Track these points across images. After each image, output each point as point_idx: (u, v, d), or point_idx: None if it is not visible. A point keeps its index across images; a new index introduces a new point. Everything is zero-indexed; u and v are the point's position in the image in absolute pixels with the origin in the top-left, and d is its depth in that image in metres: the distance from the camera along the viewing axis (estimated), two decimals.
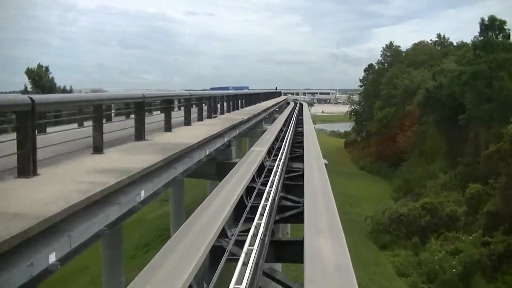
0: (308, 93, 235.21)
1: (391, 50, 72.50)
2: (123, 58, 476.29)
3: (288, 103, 71.25)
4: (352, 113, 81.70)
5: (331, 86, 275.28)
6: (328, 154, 65.03)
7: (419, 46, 66.66)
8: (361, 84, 79.55)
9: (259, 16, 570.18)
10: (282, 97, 70.20)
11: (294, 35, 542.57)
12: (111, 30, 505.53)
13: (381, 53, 73.15)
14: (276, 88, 76.11)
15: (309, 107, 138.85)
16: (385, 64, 71.62)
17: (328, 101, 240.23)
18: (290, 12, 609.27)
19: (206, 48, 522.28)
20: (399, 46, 72.64)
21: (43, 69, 69.95)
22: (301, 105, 56.12)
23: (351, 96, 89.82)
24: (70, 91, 79.39)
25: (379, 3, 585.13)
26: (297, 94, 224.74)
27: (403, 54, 71.52)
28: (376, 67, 74.99)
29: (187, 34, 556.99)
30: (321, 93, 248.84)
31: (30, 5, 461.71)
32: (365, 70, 79.24)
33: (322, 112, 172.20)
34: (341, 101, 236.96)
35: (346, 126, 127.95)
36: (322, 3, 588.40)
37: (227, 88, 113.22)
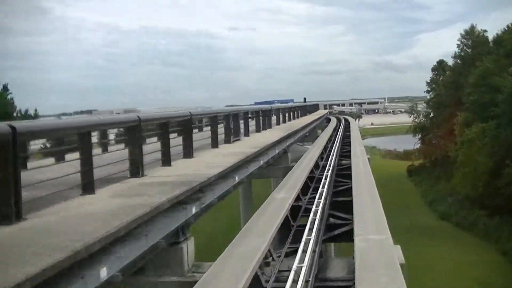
0: (354, 104, 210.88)
1: (472, 37, 49.28)
2: (167, 76, 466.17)
3: (328, 120, 49.50)
4: (417, 129, 58.40)
5: (378, 95, 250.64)
6: (388, 188, 43.04)
7: None
8: (429, 89, 56.45)
9: (301, 28, 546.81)
10: (319, 112, 48.47)
11: (338, 45, 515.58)
12: (153, 49, 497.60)
13: (458, 43, 50.02)
14: (304, 99, 51.74)
15: (357, 120, 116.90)
16: (466, 58, 48.53)
17: (376, 111, 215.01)
18: (332, 22, 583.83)
19: (249, 62, 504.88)
20: (485, 31, 49.23)
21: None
22: (346, 127, 34.04)
23: (415, 105, 65.96)
24: (35, 116, 62.43)
25: (421, 9, 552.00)
26: (343, 105, 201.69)
27: (491, 43, 48.38)
28: (452, 64, 51.81)
29: (230, 49, 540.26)
30: (368, 103, 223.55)
31: (77, 28, 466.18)
32: (433, 70, 56.06)
33: (372, 124, 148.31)
34: (391, 111, 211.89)
35: (400, 141, 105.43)
36: (364, 11, 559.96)
37: (272, 102, 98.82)
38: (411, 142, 72.76)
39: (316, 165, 14.97)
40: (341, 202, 9.96)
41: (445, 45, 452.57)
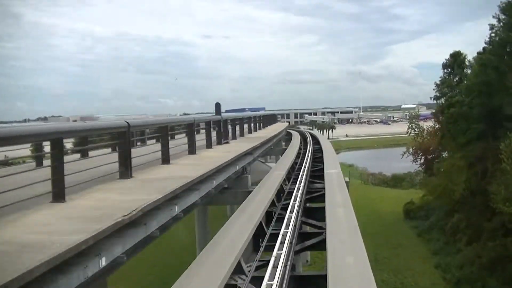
0: (327, 112, 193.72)
1: None
2: (141, 83, 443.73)
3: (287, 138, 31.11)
4: (419, 152, 39.91)
5: (352, 104, 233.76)
6: (382, 245, 27.41)
7: None
8: (438, 94, 38.18)
9: (276, 38, 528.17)
10: (268, 133, 29.80)
11: (312, 55, 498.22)
12: (128, 56, 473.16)
13: (494, 22, 31.80)
14: (217, 106, 25.29)
15: (330, 131, 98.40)
16: (504, 44, 30.39)
17: (351, 120, 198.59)
18: (307, 32, 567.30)
19: (223, 71, 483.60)
20: None
21: None
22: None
23: (416, 112, 47.04)
24: None
25: (396, 20, 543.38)
26: (314, 114, 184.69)
27: None
28: (480, 56, 33.39)
29: (204, 58, 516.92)
30: (342, 112, 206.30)
31: (50, 35, 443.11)
32: (444, 66, 37.93)
33: (347, 135, 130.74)
34: (366, 120, 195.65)
35: (379, 156, 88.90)
36: (340, 22, 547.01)
37: (243, 110, 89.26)
38: (394, 159, 55.40)
39: None
40: None
41: (418, 55, 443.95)
